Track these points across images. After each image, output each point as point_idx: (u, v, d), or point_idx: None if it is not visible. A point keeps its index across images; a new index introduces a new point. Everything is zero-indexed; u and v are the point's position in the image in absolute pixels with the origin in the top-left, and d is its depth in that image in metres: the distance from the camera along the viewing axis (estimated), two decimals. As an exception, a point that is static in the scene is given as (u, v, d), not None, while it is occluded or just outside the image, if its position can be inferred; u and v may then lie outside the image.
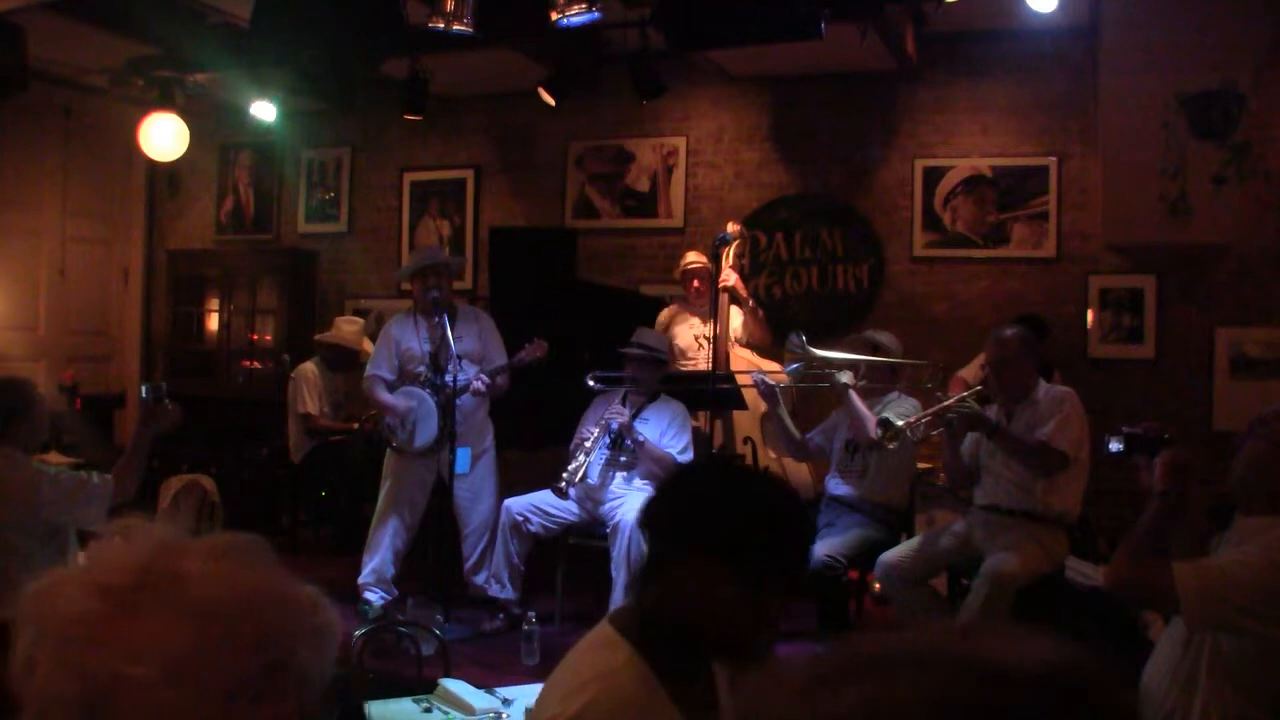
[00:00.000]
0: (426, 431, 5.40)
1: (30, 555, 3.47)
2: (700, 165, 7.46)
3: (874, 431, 4.70)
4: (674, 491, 1.81)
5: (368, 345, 6.91)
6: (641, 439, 5.35)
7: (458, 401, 5.26)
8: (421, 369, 5.49)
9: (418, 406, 5.44)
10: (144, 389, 3.75)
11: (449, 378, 5.26)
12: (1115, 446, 2.76)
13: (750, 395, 5.73)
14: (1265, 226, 6.20)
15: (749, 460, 5.91)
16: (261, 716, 0.94)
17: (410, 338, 5.55)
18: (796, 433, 5.23)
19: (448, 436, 5.28)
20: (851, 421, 4.94)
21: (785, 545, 1.69)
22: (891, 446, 4.59)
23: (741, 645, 1.67)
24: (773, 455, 5.85)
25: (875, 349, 5.09)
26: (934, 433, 4.61)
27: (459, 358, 5.27)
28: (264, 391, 7.95)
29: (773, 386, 5.14)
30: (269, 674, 0.95)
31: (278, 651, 0.96)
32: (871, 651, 0.70)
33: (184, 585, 0.95)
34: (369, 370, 5.63)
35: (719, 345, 5.77)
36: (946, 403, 4.45)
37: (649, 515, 1.77)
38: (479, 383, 5.38)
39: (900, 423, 4.47)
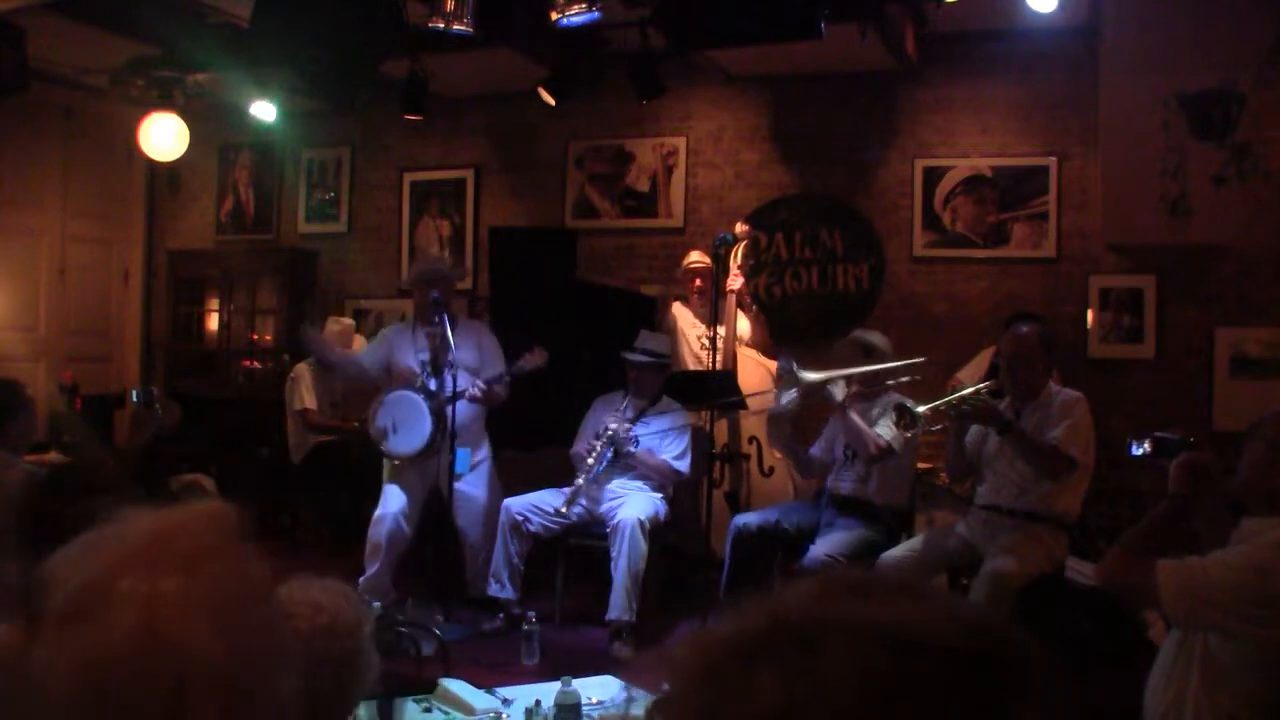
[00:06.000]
0: (416, 436, 5.36)
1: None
2: (700, 165, 7.45)
3: (874, 449, 4.69)
4: None
5: (358, 341, 6.91)
6: (636, 450, 5.35)
7: (454, 408, 5.23)
8: (417, 370, 5.48)
9: (398, 403, 5.39)
10: (134, 393, 3.79)
11: (447, 383, 5.24)
12: (1138, 450, 2.73)
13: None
14: (1265, 226, 6.19)
15: (754, 461, 5.90)
16: None
17: (406, 349, 5.53)
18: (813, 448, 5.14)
19: (445, 440, 5.25)
20: (852, 440, 4.87)
21: None
22: (909, 435, 4.55)
23: None
24: (778, 456, 5.84)
25: (867, 351, 5.02)
26: (946, 423, 4.55)
27: (455, 366, 5.26)
28: (264, 391, 7.94)
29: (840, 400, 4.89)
30: None
31: None
32: (780, 617, 0.65)
33: None
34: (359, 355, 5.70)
35: (726, 346, 5.76)
36: (964, 392, 4.37)
37: None
38: (474, 389, 5.36)
39: (921, 409, 4.42)
